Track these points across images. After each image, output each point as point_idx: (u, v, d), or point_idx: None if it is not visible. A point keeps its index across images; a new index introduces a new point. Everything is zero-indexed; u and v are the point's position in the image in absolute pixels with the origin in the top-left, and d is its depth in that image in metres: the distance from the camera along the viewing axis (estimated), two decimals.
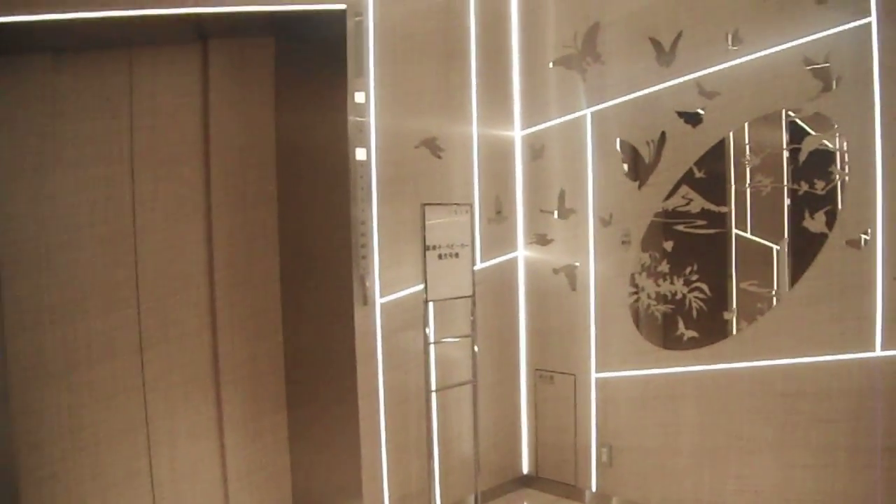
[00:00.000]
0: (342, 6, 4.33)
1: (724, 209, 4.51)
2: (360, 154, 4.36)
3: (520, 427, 5.43)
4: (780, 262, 4.32)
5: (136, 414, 4.31)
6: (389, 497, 4.60)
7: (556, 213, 5.19)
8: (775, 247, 4.33)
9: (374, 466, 4.53)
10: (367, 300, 4.40)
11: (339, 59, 4.34)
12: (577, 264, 5.09)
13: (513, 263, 5.28)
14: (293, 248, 4.72)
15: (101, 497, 4.07)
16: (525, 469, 5.47)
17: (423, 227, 4.42)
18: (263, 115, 4.67)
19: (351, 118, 4.34)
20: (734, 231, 4.47)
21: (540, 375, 5.37)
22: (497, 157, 5.18)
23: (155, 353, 4.34)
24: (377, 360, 4.51)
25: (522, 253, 5.32)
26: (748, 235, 4.43)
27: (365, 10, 4.39)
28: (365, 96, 4.40)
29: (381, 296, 4.51)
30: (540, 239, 5.27)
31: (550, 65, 5.18)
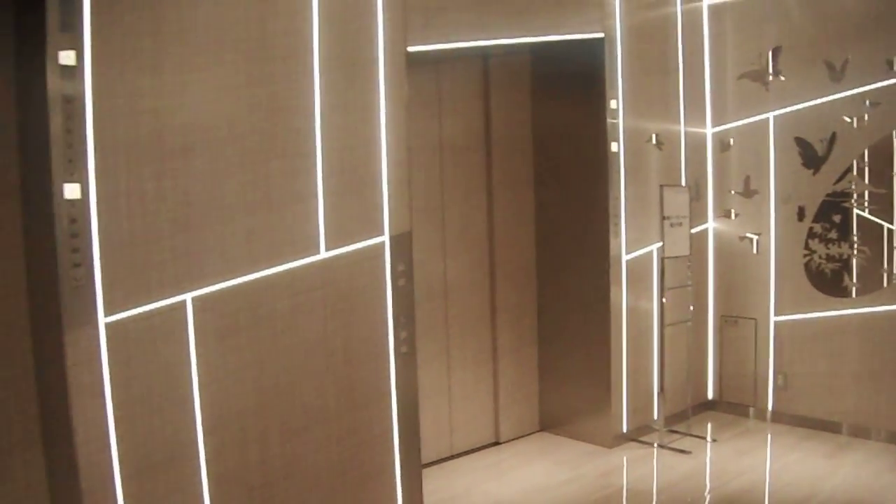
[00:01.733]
0: (600, 35, 5.80)
1: (882, 190, 5.96)
2: (613, 147, 5.85)
3: (706, 361, 6.88)
4: None
5: (441, 342, 5.86)
6: (627, 408, 6.09)
7: (741, 193, 6.68)
8: None
9: (618, 385, 6.04)
10: (611, 259, 5.89)
11: (594, 75, 5.94)
12: (760, 234, 6.59)
13: (704, 233, 6.76)
14: (548, 219, 6.35)
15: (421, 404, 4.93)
16: (710, 395, 6.97)
17: (661, 202, 5.92)
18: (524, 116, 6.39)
19: (609, 120, 5.84)
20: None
21: (725, 320, 6.90)
22: (695, 148, 6.67)
23: (454, 298, 5.92)
24: (623, 304, 6.04)
25: (712, 224, 6.82)
26: None
27: (614, 39, 5.87)
28: (617, 103, 5.89)
29: (627, 253, 6.01)
30: (727, 213, 6.78)
31: (737, 78, 6.63)
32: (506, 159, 6.22)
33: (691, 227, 6.42)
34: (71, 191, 3.44)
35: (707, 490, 5.33)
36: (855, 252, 6.20)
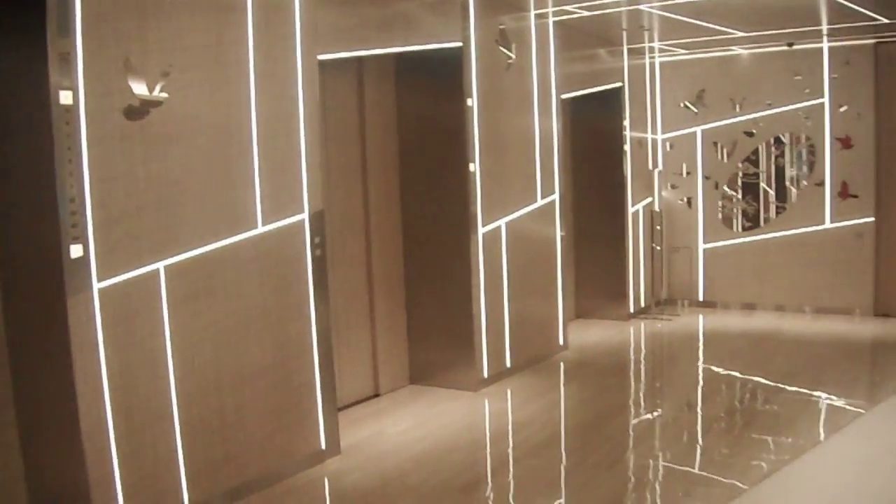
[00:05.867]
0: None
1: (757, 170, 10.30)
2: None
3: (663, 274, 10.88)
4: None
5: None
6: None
7: (684, 173, 10.73)
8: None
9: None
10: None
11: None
12: (691, 197, 10.82)
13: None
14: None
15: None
16: (664, 295, 11.01)
17: (656, 180, 7.45)
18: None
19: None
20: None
21: (673, 248, 10.95)
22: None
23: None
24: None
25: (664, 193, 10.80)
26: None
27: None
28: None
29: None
30: (673, 186, 10.89)
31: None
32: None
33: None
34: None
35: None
36: (745, 205, 10.50)
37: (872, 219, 9.71)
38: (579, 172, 10.03)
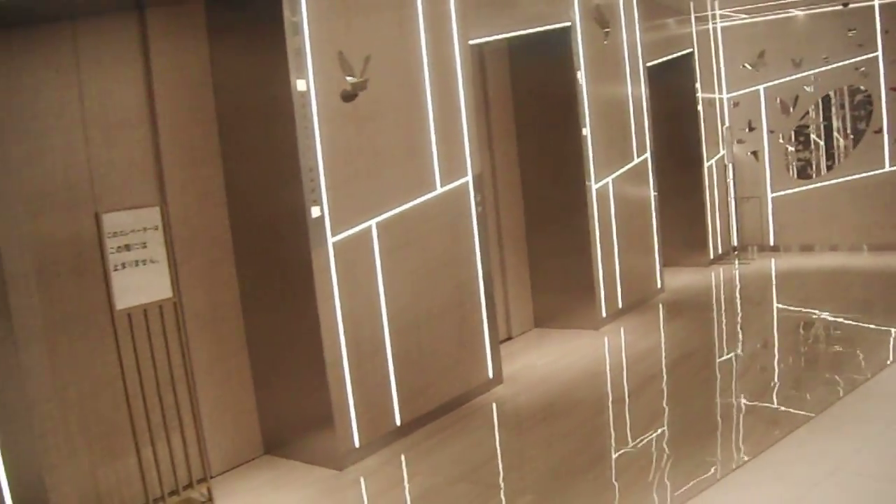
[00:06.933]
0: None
1: (824, 122, 11.15)
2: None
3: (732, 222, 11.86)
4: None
5: None
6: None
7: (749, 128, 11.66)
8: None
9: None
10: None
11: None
12: (758, 150, 11.69)
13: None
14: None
15: None
16: (734, 242, 12.00)
17: (724, 139, 7.82)
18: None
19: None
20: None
21: (742, 199, 11.96)
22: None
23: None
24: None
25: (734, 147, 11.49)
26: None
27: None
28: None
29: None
30: (741, 141, 11.88)
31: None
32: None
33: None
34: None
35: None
36: (811, 155, 11.29)
37: None
38: (659, 133, 10.33)
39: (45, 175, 4.43)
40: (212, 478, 4.94)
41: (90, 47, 4.64)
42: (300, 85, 4.91)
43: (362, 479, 4.97)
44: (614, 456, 4.97)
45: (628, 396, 6.13)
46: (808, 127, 11.28)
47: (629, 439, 5.18)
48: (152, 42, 4.91)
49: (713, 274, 10.64)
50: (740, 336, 7.69)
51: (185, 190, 5.11)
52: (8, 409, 3.99)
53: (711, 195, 11.28)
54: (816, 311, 8.10)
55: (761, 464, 4.54)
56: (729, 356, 6.96)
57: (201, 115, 5.20)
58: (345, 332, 5.16)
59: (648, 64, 9.45)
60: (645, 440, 5.12)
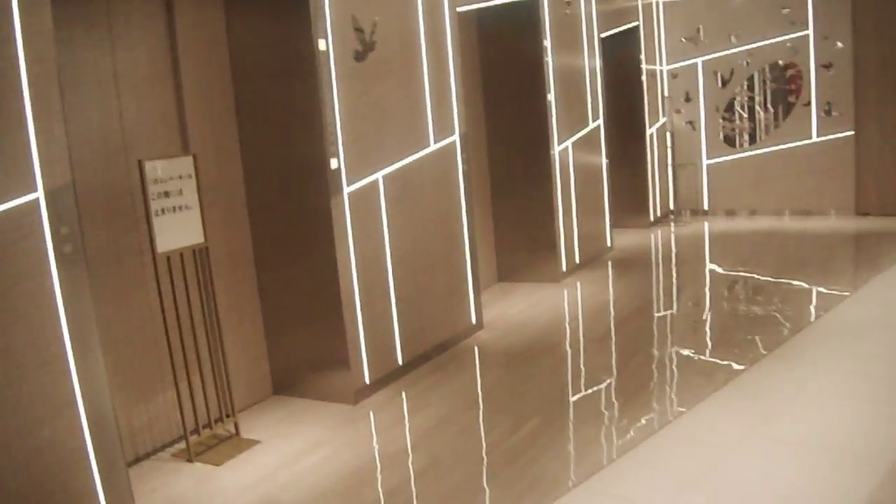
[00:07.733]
0: None
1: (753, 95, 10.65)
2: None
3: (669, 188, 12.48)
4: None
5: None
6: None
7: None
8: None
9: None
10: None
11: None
12: (694, 120, 12.28)
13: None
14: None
15: None
16: (671, 206, 12.58)
17: (669, 115, 8.34)
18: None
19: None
20: None
21: (680, 166, 12.50)
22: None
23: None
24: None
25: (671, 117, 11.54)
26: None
27: None
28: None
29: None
30: (678, 111, 12.30)
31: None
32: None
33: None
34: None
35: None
36: (743, 125, 11.93)
37: (852, 132, 11.19)
38: (606, 102, 10.58)
39: (86, 126, 4.66)
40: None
41: (121, 2, 4.85)
42: (321, 44, 5.24)
43: (374, 412, 5.39)
44: (604, 384, 5.52)
45: (607, 335, 6.71)
46: (734, 99, 11.97)
47: (614, 371, 5.74)
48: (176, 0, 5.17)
49: (652, 235, 11.32)
50: (680, 290, 8.34)
51: (204, 142, 5.38)
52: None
53: (652, 161, 11.86)
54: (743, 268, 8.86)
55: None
56: (663, 312, 7.60)
57: (220, 72, 5.48)
58: (358, 276, 5.55)
59: (603, 35, 9.97)
60: (630, 371, 5.69)
